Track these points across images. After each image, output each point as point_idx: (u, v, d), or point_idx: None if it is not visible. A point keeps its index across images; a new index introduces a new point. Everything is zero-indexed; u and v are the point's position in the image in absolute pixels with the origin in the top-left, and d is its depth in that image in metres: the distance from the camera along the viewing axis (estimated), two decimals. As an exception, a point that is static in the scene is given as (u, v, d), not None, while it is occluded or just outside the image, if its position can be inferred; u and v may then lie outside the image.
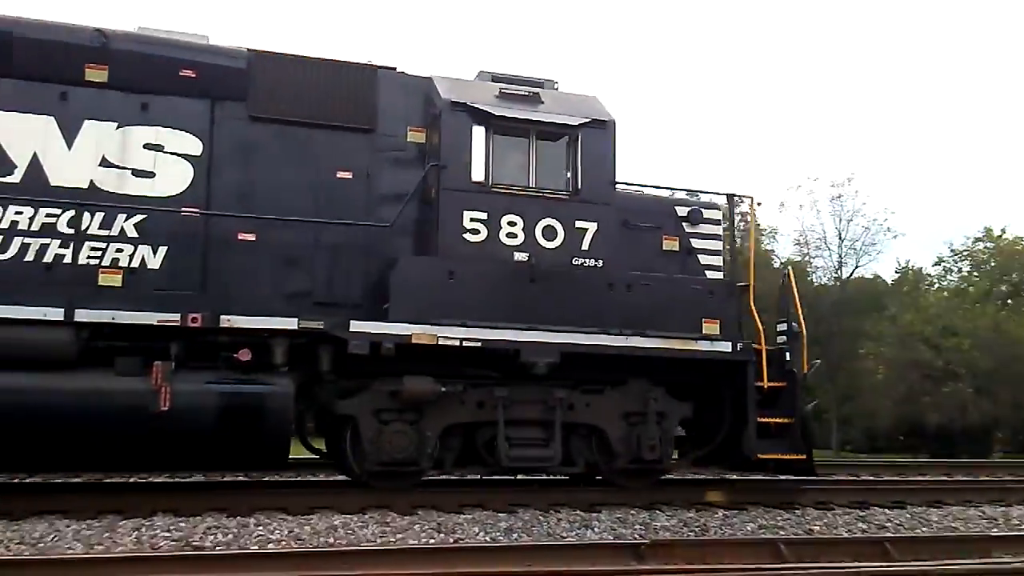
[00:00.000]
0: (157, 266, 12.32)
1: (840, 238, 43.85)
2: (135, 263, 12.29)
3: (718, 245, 15.00)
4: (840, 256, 43.35)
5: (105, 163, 12.24)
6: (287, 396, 12.05)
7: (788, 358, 14.78)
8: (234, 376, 11.98)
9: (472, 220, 13.69)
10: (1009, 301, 49.99)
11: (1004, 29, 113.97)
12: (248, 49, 12.61)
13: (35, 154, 11.81)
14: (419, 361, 12.27)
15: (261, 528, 10.12)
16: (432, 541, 9.43)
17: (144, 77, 12.57)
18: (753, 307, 14.12)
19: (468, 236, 13.47)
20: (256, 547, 9.06)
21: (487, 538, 9.59)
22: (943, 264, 59.31)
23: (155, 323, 12.00)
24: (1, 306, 11.41)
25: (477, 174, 13.38)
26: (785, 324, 14.66)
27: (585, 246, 14.09)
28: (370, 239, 12.74)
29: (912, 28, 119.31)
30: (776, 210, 56.54)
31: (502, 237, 13.81)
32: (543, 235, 13.95)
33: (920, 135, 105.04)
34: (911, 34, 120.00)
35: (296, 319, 12.41)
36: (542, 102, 13.83)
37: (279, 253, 12.74)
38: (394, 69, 13.60)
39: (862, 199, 48.17)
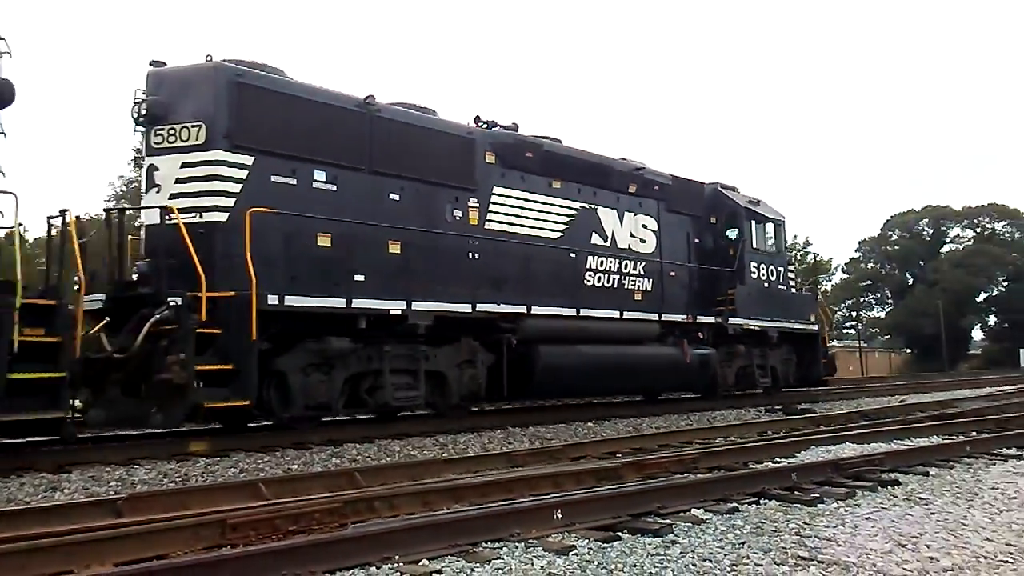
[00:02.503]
0: (648, 289, 15.58)
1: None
2: (643, 287, 15.40)
3: (792, 274, 19.97)
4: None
5: (631, 235, 15.53)
6: (716, 355, 16.34)
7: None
8: (699, 345, 15.99)
9: (754, 267, 17.63)
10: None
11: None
12: (671, 175, 16.50)
13: (612, 231, 15.11)
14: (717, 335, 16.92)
15: None
16: None
17: (643, 188, 15.83)
18: (821, 307, 20.06)
19: (753, 274, 17.54)
20: None
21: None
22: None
23: (679, 320, 15.70)
24: (639, 312, 14.66)
25: (754, 244, 17.64)
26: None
27: (782, 279, 18.57)
28: (710, 274, 16.83)
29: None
30: None
31: (761, 275, 17.87)
32: (771, 274, 18.12)
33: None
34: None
35: (713, 316, 16.38)
36: (759, 203, 18.30)
37: (682, 282, 16.48)
38: (703, 183, 17.75)
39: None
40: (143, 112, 10.32)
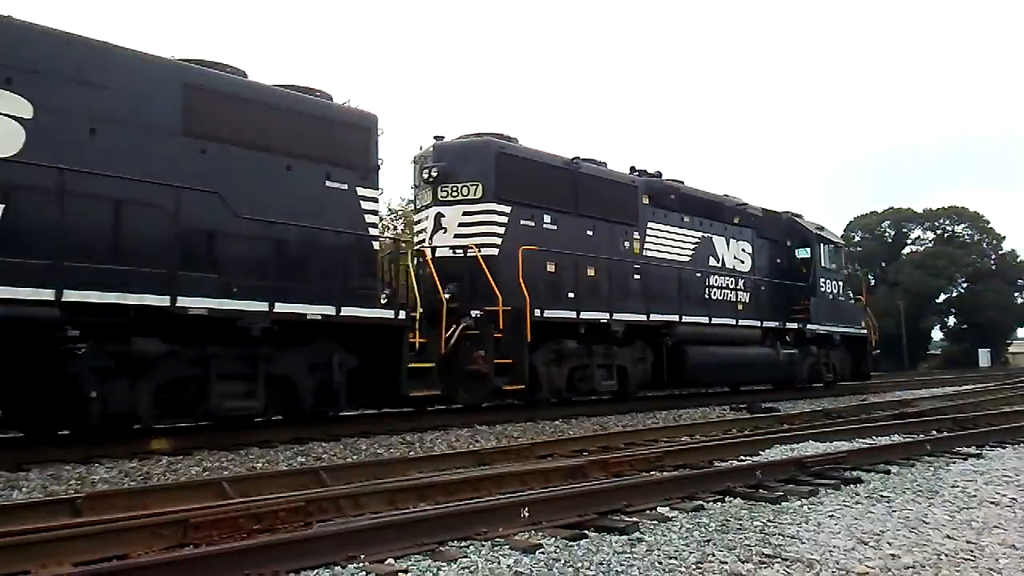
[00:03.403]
0: (747, 301, 19.17)
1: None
2: (743, 299, 18.89)
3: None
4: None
5: (735, 257, 19.01)
6: (798, 353, 19.90)
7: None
8: (786, 347, 19.40)
9: (823, 282, 21.09)
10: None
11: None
12: (761, 208, 20.23)
13: (722, 255, 18.70)
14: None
15: None
16: None
17: (742, 220, 19.44)
18: (869, 312, 23.90)
19: (822, 288, 21.06)
20: None
21: None
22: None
23: (773, 325, 19.07)
24: (740, 320, 18.27)
25: (823, 263, 21.15)
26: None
27: (842, 291, 22.18)
28: (788, 287, 20.30)
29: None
30: None
31: (828, 289, 21.23)
32: (834, 288, 21.52)
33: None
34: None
35: (796, 323, 19.96)
36: (823, 229, 21.98)
37: (769, 294, 19.77)
38: (781, 212, 21.22)
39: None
40: (434, 174, 13.94)
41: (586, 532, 4.94)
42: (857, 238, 68.68)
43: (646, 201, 16.88)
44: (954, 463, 8.10)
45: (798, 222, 21.82)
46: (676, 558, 4.44)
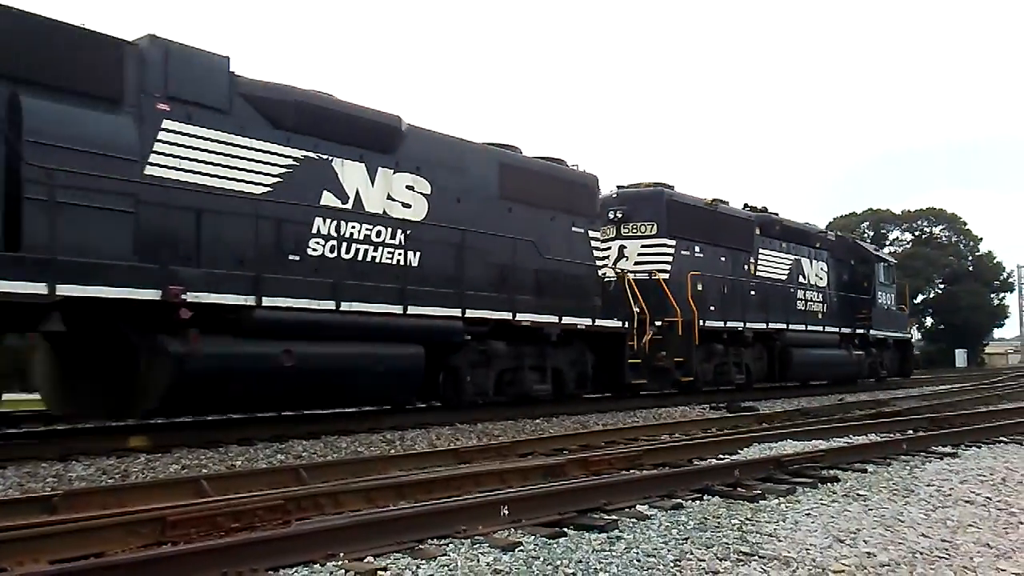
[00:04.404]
0: (826, 311, 22.87)
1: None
2: (823, 310, 22.62)
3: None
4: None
5: (815, 275, 23.19)
6: (865, 356, 24.21)
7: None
8: (855, 349, 23.39)
9: (880, 294, 25.09)
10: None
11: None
12: (835, 233, 25.25)
13: (808, 273, 22.32)
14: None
15: None
16: None
17: (822, 244, 23.43)
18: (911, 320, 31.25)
19: (879, 300, 25.22)
20: None
21: None
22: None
23: (847, 331, 22.98)
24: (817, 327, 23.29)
25: (879, 279, 25.19)
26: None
27: (894, 302, 26.30)
28: (852, 299, 24.46)
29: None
30: None
31: (883, 300, 25.27)
32: (887, 298, 25.49)
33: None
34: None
35: (860, 328, 23.71)
36: (878, 249, 27.66)
37: (839, 304, 23.62)
38: (846, 236, 27.17)
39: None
40: (619, 215, 18.05)
41: (565, 530, 4.96)
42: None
43: (758, 232, 21.30)
44: (930, 462, 8.19)
45: (860, 244, 26.79)
46: (654, 556, 4.48)
